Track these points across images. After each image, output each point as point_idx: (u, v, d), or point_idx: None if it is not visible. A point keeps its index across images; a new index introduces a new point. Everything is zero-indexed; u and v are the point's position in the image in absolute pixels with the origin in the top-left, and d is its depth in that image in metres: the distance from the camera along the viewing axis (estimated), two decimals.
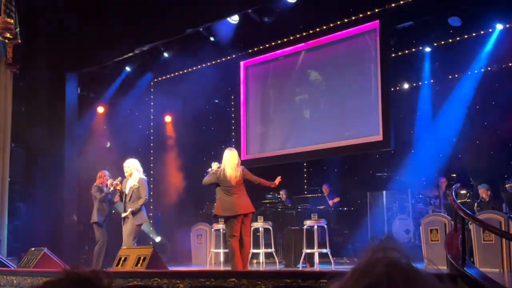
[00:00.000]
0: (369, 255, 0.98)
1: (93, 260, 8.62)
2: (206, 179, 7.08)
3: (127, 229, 7.43)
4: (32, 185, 10.37)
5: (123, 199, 7.58)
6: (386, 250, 0.98)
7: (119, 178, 7.73)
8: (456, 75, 11.19)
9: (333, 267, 8.11)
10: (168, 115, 13.22)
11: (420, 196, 10.36)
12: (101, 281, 1.14)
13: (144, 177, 7.65)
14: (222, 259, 9.44)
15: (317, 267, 8.24)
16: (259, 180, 7.12)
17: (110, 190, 8.54)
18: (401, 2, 9.46)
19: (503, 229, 6.89)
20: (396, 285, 0.91)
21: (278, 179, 7.16)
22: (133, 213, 7.38)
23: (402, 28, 10.17)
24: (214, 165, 7.08)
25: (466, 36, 10.24)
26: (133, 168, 7.58)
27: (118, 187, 7.68)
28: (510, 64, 10.47)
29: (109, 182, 8.75)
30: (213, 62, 11.93)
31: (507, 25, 9.84)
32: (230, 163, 6.94)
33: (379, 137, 9.87)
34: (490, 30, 10.00)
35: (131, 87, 12.08)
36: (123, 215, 7.57)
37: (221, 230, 8.92)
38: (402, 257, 0.97)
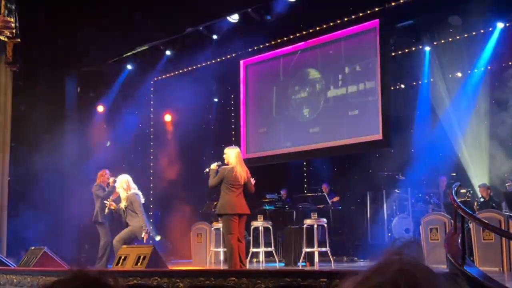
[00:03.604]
0: (384, 258, 0.97)
1: (97, 258, 8.70)
2: (213, 181, 6.90)
3: (121, 233, 7.52)
4: (32, 185, 10.36)
5: (123, 215, 7.63)
6: (402, 255, 0.97)
7: (111, 198, 7.82)
8: (456, 74, 11.18)
9: (332, 266, 8.12)
10: (168, 114, 13.22)
11: (420, 195, 10.36)
12: (109, 281, 1.14)
13: (135, 191, 7.63)
14: (222, 258, 9.44)
15: (317, 266, 8.24)
16: (252, 188, 7.02)
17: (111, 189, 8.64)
18: (401, 1, 9.45)
19: (503, 228, 6.90)
20: None
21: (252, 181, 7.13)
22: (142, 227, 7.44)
23: (402, 27, 10.17)
24: (213, 165, 7.03)
25: (466, 35, 10.24)
26: (119, 187, 7.65)
27: (112, 207, 7.75)
28: (510, 63, 10.47)
29: (111, 180, 8.78)
30: (213, 61, 11.94)
31: (507, 24, 9.84)
32: (240, 161, 6.90)
33: (379, 136, 9.87)
34: (490, 29, 10.00)
35: (131, 86, 12.08)
36: (143, 235, 7.50)
37: (221, 229, 8.91)
38: (419, 262, 0.96)
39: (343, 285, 0.99)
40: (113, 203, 7.75)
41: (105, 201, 7.95)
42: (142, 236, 7.41)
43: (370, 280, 0.94)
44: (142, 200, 7.67)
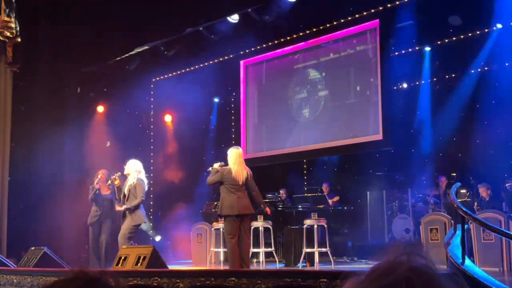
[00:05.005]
0: (392, 257, 0.96)
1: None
2: (210, 179, 7.00)
3: (122, 229, 7.44)
4: (32, 185, 10.36)
5: (121, 198, 7.57)
6: (411, 255, 0.96)
7: (119, 173, 7.76)
8: (456, 74, 11.18)
9: (333, 267, 8.12)
10: (168, 114, 13.23)
11: (420, 195, 10.36)
12: (109, 282, 1.14)
13: (143, 177, 7.61)
14: (222, 258, 9.44)
15: (317, 266, 8.24)
16: (258, 193, 7.05)
17: (95, 191, 8.86)
18: (401, 1, 9.45)
19: (503, 228, 6.89)
20: None
21: (268, 210, 7.44)
22: (129, 210, 7.38)
23: (402, 27, 10.17)
24: (216, 165, 7.06)
25: (466, 35, 10.24)
26: (132, 169, 7.56)
27: (116, 182, 7.69)
28: (510, 63, 10.47)
29: (95, 182, 8.87)
30: (213, 61, 11.94)
31: (507, 24, 9.84)
32: (238, 161, 6.89)
33: (379, 136, 9.88)
34: (491, 29, 10.00)
35: (131, 86, 12.07)
36: (117, 208, 7.87)
37: (221, 229, 8.91)
38: (427, 264, 0.95)
39: (347, 285, 0.98)
40: (118, 179, 7.71)
41: (113, 175, 7.91)
42: (117, 207, 7.82)
43: (380, 280, 0.93)
44: (146, 188, 7.65)
